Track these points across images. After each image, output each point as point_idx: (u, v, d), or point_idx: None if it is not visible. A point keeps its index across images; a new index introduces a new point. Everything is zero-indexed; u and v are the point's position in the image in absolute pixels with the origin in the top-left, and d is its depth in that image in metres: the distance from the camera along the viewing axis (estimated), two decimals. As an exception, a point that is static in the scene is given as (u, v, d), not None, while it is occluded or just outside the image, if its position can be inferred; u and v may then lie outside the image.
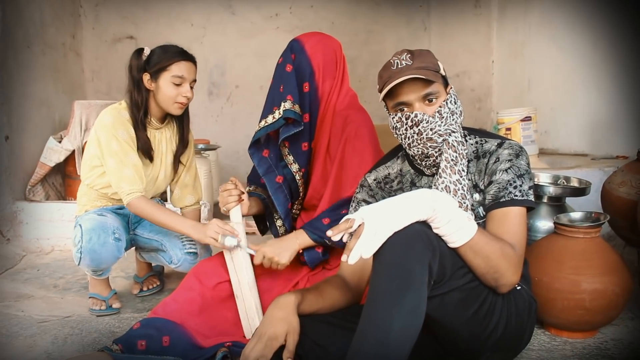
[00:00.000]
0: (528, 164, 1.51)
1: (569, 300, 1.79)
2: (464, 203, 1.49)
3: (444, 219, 1.28)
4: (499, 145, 1.53)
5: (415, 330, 1.21)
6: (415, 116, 1.47)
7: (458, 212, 1.30)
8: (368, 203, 1.66)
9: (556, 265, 1.83)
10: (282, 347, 1.38)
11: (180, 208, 2.41)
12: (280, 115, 1.85)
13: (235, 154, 5.09)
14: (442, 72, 1.52)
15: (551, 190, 2.26)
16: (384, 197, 1.65)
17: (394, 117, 1.53)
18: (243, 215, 1.90)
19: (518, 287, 1.52)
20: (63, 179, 3.68)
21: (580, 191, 2.26)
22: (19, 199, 3.33)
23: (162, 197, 2.61)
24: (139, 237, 2.29)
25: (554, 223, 1.93)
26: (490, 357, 1.48)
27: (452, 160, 1.49)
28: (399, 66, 1.48)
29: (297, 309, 1.43)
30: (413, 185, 1.63)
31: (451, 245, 1.32)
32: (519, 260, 1.41)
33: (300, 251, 1.96)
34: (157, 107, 2.18)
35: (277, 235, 2.04)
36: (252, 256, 1.84)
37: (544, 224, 2.23)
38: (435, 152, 1.51)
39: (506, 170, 1.48)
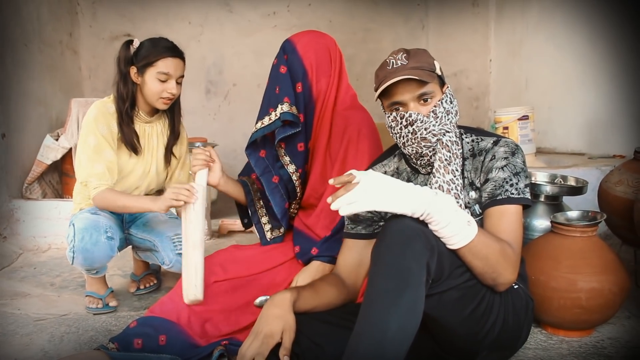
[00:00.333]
0: (524, 162, 1.51)
1: (565, 299, 1.79)
2: (458, 202, 1.50)
3: (443, 222, 1.28)
4: (495, 143, 1.53)
5: (412, 329, 1.22)
6: (410, 116, 1.48)
7: (458, 215, 1.30)
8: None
9: (553, 264, 1.83)
10: (278, 345, 1.38)
11: None
12: (276, 117, 1.86)
13: (232, 153, 5.08)
14: (438, 71, 1.52)
15: (548, 189, 2.26)
16: None
17: (389, 116, 1.53)
18: (215, 186, 1.99)
19: (515, 286, 1.52)
20: (60, 177, 3.68)
21: (577, 190, 2.26)
22: (15, 196, 3.32)
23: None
24: (133, 236, 2.28)
25: (551, 222, 1.93)
26: (487, 355, 1.49)
27: (445, 160, 1.50)
28: (395, 66, 1.48)
29: (293, 307, 1.43)
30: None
31: (449, 247, 1.33)
32: (517, 258, 1.41)
33: (297, 250, 1.97)
34: (144, 101, 2.17)
35: (262, 235, 2.05)
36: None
37: (541, 222, 2.24)
38: (430, 152, 1.51)
39: (502, 168, 1.48)
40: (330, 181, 1.30)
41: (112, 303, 2.25)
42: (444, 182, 1.49)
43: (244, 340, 1.42)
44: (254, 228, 2.14)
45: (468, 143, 1.58)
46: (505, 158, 1.49)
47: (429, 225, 1.30)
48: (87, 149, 2.09)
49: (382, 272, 1.23)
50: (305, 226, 2.02)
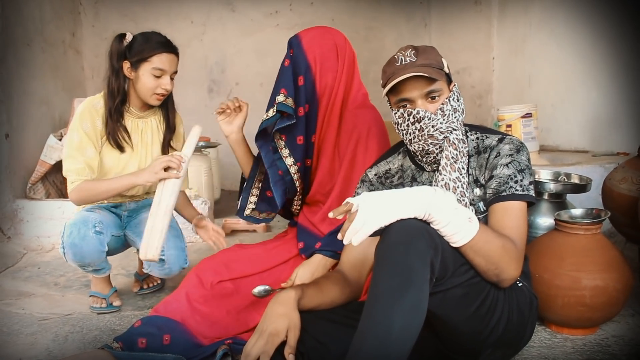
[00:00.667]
0: (528, 159, 1.51)
1: (569, 297, 1.79)
2: (463, 200, 1.50)
3: (444, 221, 1.28)
4: (500, 141, 1.53)
5: (416, 328, 1.21)
6: (418, 113, 1.48)
7: (459, 213, 1.30)
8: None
9: (557, 261, 1.83)
10: (283, 343, 1.38)
11: None
12: (274, 112, 1.87)
13: (235, 152, 5.09)
14: (445, 69, 1.52)
15: (552, 186, 2.25)
16: None
17: (396, 113, 1.53)
18: (226, 135, 2.01)
19: (519, 284, 1.52)
20: (63, 177, 3.68)
21: (581, 188, 2.25)
22: (19, 197, 3.33)
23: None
24: (128, 237, 2.27)
25: (555, 219, 1.93)
26: (491, 353, 1.49)
27: (452, 157, 1.50)
28: (403, 62, 1.48)
29: (297, 305, 1.43)
30: (414, 181, 1.63)
31: (452, 245, 1.32)
32: (520, 254, 1.41)
33: (301, 245, 1.98)
34: (137, 96, 2.16)
35: (242, 208, 2.08)
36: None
37: (545, 220, 2.23)
38: (436, 149, 1.51)
39: (507, 165, 1.48)
40: (330, 214, 1.30)
41: (116, 302, 2.25)
42: (450, 179, 1.50)
43: (248, 339, 1.42)
44: (255, 227, 2.15)
45: (473, 140, 1.58)
46: (510, 155, 1.49)
47: (431, 224, 1.30)
48: (70, 146, 2.09)
49: (386, 271, 1.23)
50: (311, 223, 2.02)
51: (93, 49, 4.76)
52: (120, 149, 2.16)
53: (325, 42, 1.93)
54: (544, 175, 2.45)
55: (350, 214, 1.27)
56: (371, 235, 1.65)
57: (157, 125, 2.27)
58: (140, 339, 1.65)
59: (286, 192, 1.99)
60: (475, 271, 1.38)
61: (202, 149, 3.92)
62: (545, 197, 2.27)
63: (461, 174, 1.51)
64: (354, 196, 1.71)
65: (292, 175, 1.98)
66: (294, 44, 1.92)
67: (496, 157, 1.51)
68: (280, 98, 1.85)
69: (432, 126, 1.48)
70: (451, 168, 1.50)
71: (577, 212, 1.97)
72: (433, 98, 1.49)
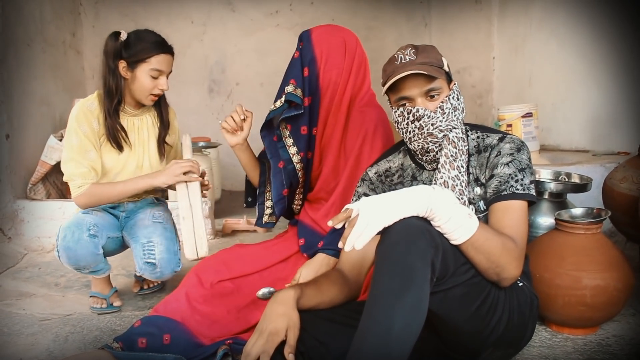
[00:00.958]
0: (529, 158, 1.51)
1: (570, 297, 1.79)
2: (462, 199, 1.50)
3: (444, 217, 1.28)
4: (501, 140, 1.53)
5: (417, 327, 1.21)
6: (417, 111, 1.48)
7: (458, 209, 1.30)
8: (368, 196, 1.66)
9: (557, 261, 1.83)
10: (283, 343, 1.38)
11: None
12: (281, 103, 1.90)
13: (236, 152, 5.08)
14: (445, 68, 1.52)
15: (552, 186, 2.25)
16: (384, 191, 1.67)
17: (396, 112, 1.54)
18: (232, 146, 2.03)
19: (520, 284, 1.52)
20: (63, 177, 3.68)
21: (582, 187, 2.25)
22: (20, 197, 3.33)
23: (164, 196, 2.61)
24: (125, 238, 2.26)
25: (555, 219, 1.93)
26: (492, 353, 1.49)
27: (451, 156, 1.50)
28: (403, 61, 1.48)
29: (296, 304, 1.43)
30: (414, 180, 1.63)
31: (453, 242, 1.32)
32: (521, 253, 1.41)
33: (302, 242, 1.98)
34: (131, 95, 2.15)
35: (261, 215, 2.09)
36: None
37: (545, 220, 2.23)
38: (436, 147, 1.51)
39: (507, 164, 1.48)
40: (329, 223, 1.30)
41: (116, 303, 2.25)
42: (449, 177, 1.50)
43: (248, 339, 1.42)
44: (257, 227, 2.15)
45: (473, 139, 1.58)
46: (511, 154, 1.49)
47: (432, 222, 1.30)
48: (70, 149, 2.08)
49: (387, 270, 1.23)
50: (312, 220, 2.02)
51: (93, 49, 4.76)
52: (120, 148, 2.16)
53: (334, 39, 1.94)
54: (544, 174, 2.45)
55: (350, 220, 1.27)
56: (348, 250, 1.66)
57: (152, 122, 2.27)
58: (140, 339, 1.65)
59: (284, 185, 1.99)
60: (476, 270, 1.37)
61: (203, 149, 3.92)
62: (546, 196, 2.27)
63: (460, 172, 1.51)
64: (354, 194, 1.72)
65: (295, 164, 1.99)
66: (304, 36, 1.95)
67: (497, 156, 1.51)
68: (289, 88, 1.88)
69: (432, 124, 1.48)
70: (450, 166, 1.50)
71: (577, 211, 1.97)
72: (433, 96, 1.49)
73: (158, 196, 2.46)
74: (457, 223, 1.29)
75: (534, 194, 1.48)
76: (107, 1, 4.86)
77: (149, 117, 2.26)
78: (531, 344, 1.78)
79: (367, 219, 1.23)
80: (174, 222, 2.27)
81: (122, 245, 2.28)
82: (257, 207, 2.11)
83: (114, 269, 2.68)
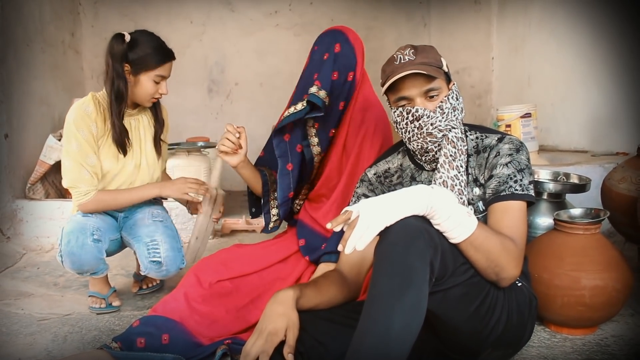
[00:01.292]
0: (528, 159, 1.51)
1: (569, 297, 1.79)
2: (461, 199, 1.50)
3: (444, 215, 1.28)
4: (500, 140, 1.53)
5: (416, 327, 1.21)
6: (416, 111, 1.48)
7: (458, 208, 1.30)
8: (368, 197, 1.67)
9: (556, 261, 1.83)
10: (282, 343, 1.38)
11: None
12: (303, 106, 1.86)
13: (235, 152, 5.08)
14: (444, 68, 1.53)
15: (551, 186, 2.25)
16: (383, 192, 1.67)
17: (395, 112, 1.54)
18: (234, 167, 1.99)
19: (519, 284, 1.52)
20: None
21: (580, 187, 2.25)
22: (18, 197, 3.33)
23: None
24: (123, 238, 2.27)
25: (554, 219, 1.93)
26: (490, 353, 1.49)
27: (451, 155, 1.50)
28: (402, 61, 1.48)
29: (296, 304, 1.43)
30: (413, 180, 1.63)
31: (452, 241, 1.32)
32: (520, 253, 1.41)
33: (302, 243, 1.98)
34: (130, 97, 2.14)
35: (268, 219, 2.06)
36: None
37: (544, 220, 2.23)
38: (435, 147, 1.51)
39: (507, 164, 1.48)
40: (328, 225, 1.29)
41: (115, 302, 2.25)
42: (448, 177, 1.50)
43: (247, 339, 1.42)
44: (255, 227, 2.15)
45: (472, 140, 1.58)
46: (510, 155, 1.49)
47: (431, 221, 1.30)
48: (70, 154, 2.07)
49: (386, 271, 1.23)
50: (313, 219, 2.02)
51: (93, 49, 4.76)
52: (124, 151, 2.16)
53: (361, 43, 1.98)
54: (543, 175, 2.45)
55: (350, 222, 1.26)
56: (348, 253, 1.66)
57: (147, 122, 2.27)
58: (139, 339, 1.65)
59: (290, 188, 1.98)
60: (475, 270, 1.37)
61: (202, 149, 3.92)
62: (545, 197, 2.27)
63: (459, 172, 1.51)
64: (354, 195, 1.72)
65: (315, 164, 1.99)
66: (340, 38, 1.92)
67: (496, 156, 1.51)
68: (313, 89, 1.83)
69: (431, 124, 1.48)
70: (449, 166, 1.50)
71: (576, 212, 1.97)
72: (432, 96, 1.49)
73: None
74: (456, 221, 1.29)
75: (533, 194, 1.48)
76: (107, 1, 4.85)
77: (145, 117, 2.26)
78: (530, 344, 1.78)
79: (367, 221, 1.22)
80: (171, 220, 2.28)
81: (120, 246, 2.30)
82: (263, 216, 2.09)
83: (113, 269, 2.69)
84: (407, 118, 1.50)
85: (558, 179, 2.42)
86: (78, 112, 2.08)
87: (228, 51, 5.14)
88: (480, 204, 1.53)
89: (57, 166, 3.53)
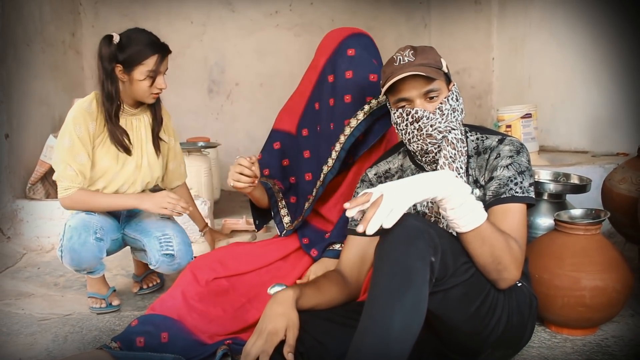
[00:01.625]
0: (529, 160, 1.51)
1: (569, 297, 1.79)
2: None
3: (458, 201, 1.28)
4: (500, 142, 1.53)
5: (416, 327, 1.21)
6: (416, 112, 1.48)
7: (470, 197, 1.31)
8: None
9: (556, 262, 1.83)
10: (282, 343, 1.38)
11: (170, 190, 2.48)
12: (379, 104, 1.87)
13: (235, 152, 5.07)
14: (444, 69, 1.52)
15: (551, 187, 2.25)
16: None
17: (395, 113, 1.54)
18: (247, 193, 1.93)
19: (519, 284, 1.52)
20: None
21: (581, 188, 2.25)
22: (19, 197, 3.33)
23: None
24: (127, 236, 2.27)
25: (555, 220, 1.93)
26: (491, 354, 1.49)
27: (450, 157, 1.50)
28: (402, 62, 1.48)
29: (296, 304, 1.43)
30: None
31: (461, 229, 1.32)
32: (521, 256, 1.41)
33: (306, 241, 1.97)
34: (129, 95, 2.15)
35: (282, 228, 2.04)
36: None
37: (544, 220, 2.23)
38: (435, 149, 1.51)
39: (507, 166, 1.48)
40: (346, 205, 1.26)
41: (115, 302, 2.25)
42: None
43: (247, 339, 1.42)
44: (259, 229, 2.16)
45: (473, 141, 1.58)
46: (510, 157, 1.49)
47: (445, 206, 1.30)
48: (61, 150, 2.08)
49: (386, 271, 1.23)
50: (318, 216, 2.02)
51: (93, 49, 4.67)
52: (127, 152, 2.16)
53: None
54: (543, 175, 2.45)
55: (371, 203, 1.24)
56: (371, 235, 1.66)
57: (148, 121, 2.27)
58: (138, 338, 1.65)
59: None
60: (476, 267, 1.37)
61: (202, 149, 3.92)
62: (545, 197, 2.27)
63: (459, 174, 1.51)
64: (354, 195, 1.72)
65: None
66: (369, 43, 2.01)
67: (496, 158, 1.51)
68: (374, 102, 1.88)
69: (431, 125, 1.48)
70: (449, 167, 1.50)
71: (576, 212, 1.97)
72: (431, 97, 1.49)
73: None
74: (468, 208, 1.30)
75: (533, 196, 1.48)
76: (107, 1, 4.85)
77: (146, 117, 2.26)
78: (530, 345, 1.78)
79: (393, 200, 1.21)
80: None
81: (121, 246, 2.30)
82: (276, 226, 2.08)
83: (113, 269, 2.69)
84: (406, 119, 1.50)
85: (558, 179, 2.42)
86: (79, 109, 2.10)
87: (228, 51, 5.14)
88: (481, 205, 1.53)
89: (57, 166, 3.54)
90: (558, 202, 2.27)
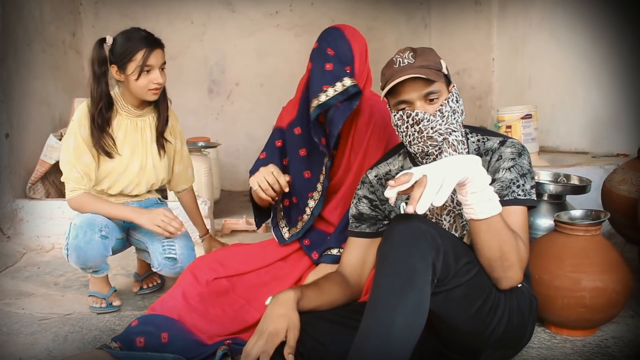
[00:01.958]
0: (530, 163, 1.52)
1: (569, 298, 1.79)
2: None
3: (480, 186, 1.29)
4: (502, 144, 1.53)
5: (418, 328, 1.22)
6: (417, 115, 1.48)
7: (490, 188, 1.32)
8: (369, 199, 1.67)
9: (556, 263, 1.83)
10: (283, 344, 1.39)
11: (176, 193, 2.51)
12: (344, 87, 1.79)
13: (235, 152, 5.09)
14: (444, 70, 1.52)
15: (552, 188, 2.25)
16: (384, 194, 1.66)
17: (395, 115, 1.54)
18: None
19: (519, 285, 1.52)
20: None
21: (581, 189, 2.25)
22: (19, 196, 3.33)
23: (163, 196, 2.61)
24: (132, 237, 2.29)
25: (555, 221, 1.93)
26: (491, 354, 1.49)
27: (451, 159, 1.50)
28: (401, 64, 1.48)
29: (296, 305, 1.44)
30: (414, 182, 1.63)
31: (477, 216, 1.33)
32: (527, 257, 1.42)
33: (307, 243, 1.97)
34: (132, 95, 2.15)
35: (280, 236, 2.03)
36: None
37: (545, 221, 2.23)
38: (436, 151, 1.51)
39: (509, 169, 1.48)
40: (390, 182, 1.25)
41: (116, 302, 2.25)
42: None
43: (247, 339, 1.42)
44: (258, 229, 2.15)
45: (474, 142, 1.58)
46: (512, 159, 1.50)
47: (466, 189, 1.30)
48: (67, 151, 2.10)
49: (388, 271, 1.24)
50: (319, 218, 2.01)
51: None
52: (109, 156, 2.15)
53: (361, 39, 1.96)
54: (543, 176, 2.46)
55: (416, 183, 1.23)
56: (370, 237, 1.66)
57: (154, 122, 2.27)
58: (138, 338, 1.65)
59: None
60: (481, 265, 1.38)
61: (202, 149, 3.92)
62: (545, 198, 2.27)
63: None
64: (355, 197, 1.72)
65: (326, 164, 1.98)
66: (336, 34, 1.91)
67: (498, 160, 1.51)
68: (347, 82, 1.79)
69: (431, 128, 1.48)
70: None
71: (576, 213, 1.97)
72: (432, 100, 1.49)
73: (160, 197, 2.48)
74: (487, 196, 1.31)
75: (535, 198, 1.49)
76: (107, 1, 4.85)
77: (151, 118, 2.26)
78: (530, 345, 1.78)
79: (439, 178, 1.21)
80: None
81: (124, 246, 2.31)
82: (273, 232, 2.07)
83: (113, 269, 2.69)
84: (407, 122, 1.50)
85: (558, 180, 2.42)
86: (84, 110, 2.11)
87: (228, 51, 5.15)
88: (497, 197, 1.53)
89: (57, 166, 3.51)
90: (558, 203, 2.27)
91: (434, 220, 1.57)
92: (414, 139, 1.51)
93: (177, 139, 2.36)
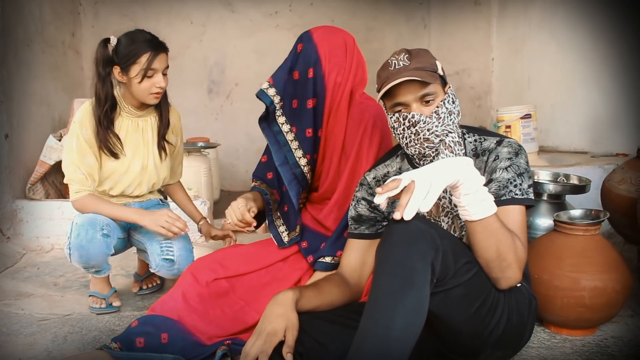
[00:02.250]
0: (527, 162, 1.52)
1: (568, 298, 1.79)
2: None
3: (473, 188, 1.30)
4: (498, 143, 1.53)
5: (417, 328, 1.22)
6: (413, 117, 1.47)
7: (483, 188, 1.32)
8: (368, 201, 1.67)
9: (556, 262, 1.83)
10: (281, 343, 1.39)
11: (164, 187, 2.49)
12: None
13: (235, 152, 5.09)
14: (440, 71, 1.52)
15: (551, 187, 2.26)
16: None
17: (391, 117, 1.53)
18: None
19: (518, 284, 1.52)
20: (63, 177, 3.68)
21: (580, 189, 2.25)
22: (19, 197, 3.33)
23: (164, 196, 2.61)
24: (132, 237, 2.29)
25: (554, 220, 1.93)
26: (490, 354, 1.49)
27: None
28: (397, 67, 1.48)
29: (295, 306, 1.44)
30: (413, 184, 1.63)
31: (471, 217, 1.33)
32: (525, 256, 1.42)
33: (305, 245, 1.97)
34: (133, 97, 2.15)
35: (280, 240, 2.02)
36: None
37: (544, 221, 2.23)
38: (432, 152, 1.51)
39: (506, 168, 1.48)
40: (378, 190, 1.26)
41: (116, 303, 2.25)
42: None
43: (247, 340, 1.42)
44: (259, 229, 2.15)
45: (471, 143, 1.58)
46: (509, 159, 1.49)
47: (459, 192, 1.31)
48: (70, 152, 2.10)
49: (388, 272, 1.24)
50: (316, 221, 2.02)
51: (93, 50, 4.64)
52: (115, 156, 2.16)
53: (335, 39, 1.93)
54: (543, 176, 2.46)
55: (404, 189, 1.25)
56: (369, 238, 1.66)
57: (155, 122, 2.27)
58: (138, 339, 1.65)
59: (300, 191, 1.97)
60: (479, 265, 1.38)
61: (202, 150, 3.92)
62: (545, 198, 2.28)
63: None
64: (353, 199, 1.72)
65: (302, 167, 1.96)
66: (305, 38, 1.94)
67: (495, 160, 1.51)
68: (264, 85, 1.92)
69: (428, 130, 1.48)
70: None
71: (576, 213, 1.97)
72: (427, 101, 1.48)
73: (162, 197, 2.48)
74: (481, 197, 1.31)
75: (532, 197, 1.49)
76: (107, 1, 4.85)
77: (153, 118, 2.26)
78: (530, 345, 1.78)
79: (426, 184, 1.22)
80: None
81: (126, 246, 2.31)
82: (272, 236, 2.06)
83: (113, 269, 2.68)
84: (403, 124, 1.50)
85: (558, 180, 2.42)
86: (86, 112, 2.11)
87: (228, 52, 5.15)
88: (491, 197, 1.53)
89: (57, 166, 3.54)
90: (557, 202, 2.27)
91: (432, 221, 1.57)
92: (410, 141, 1.51)
93: (178, 136, 2.36)
